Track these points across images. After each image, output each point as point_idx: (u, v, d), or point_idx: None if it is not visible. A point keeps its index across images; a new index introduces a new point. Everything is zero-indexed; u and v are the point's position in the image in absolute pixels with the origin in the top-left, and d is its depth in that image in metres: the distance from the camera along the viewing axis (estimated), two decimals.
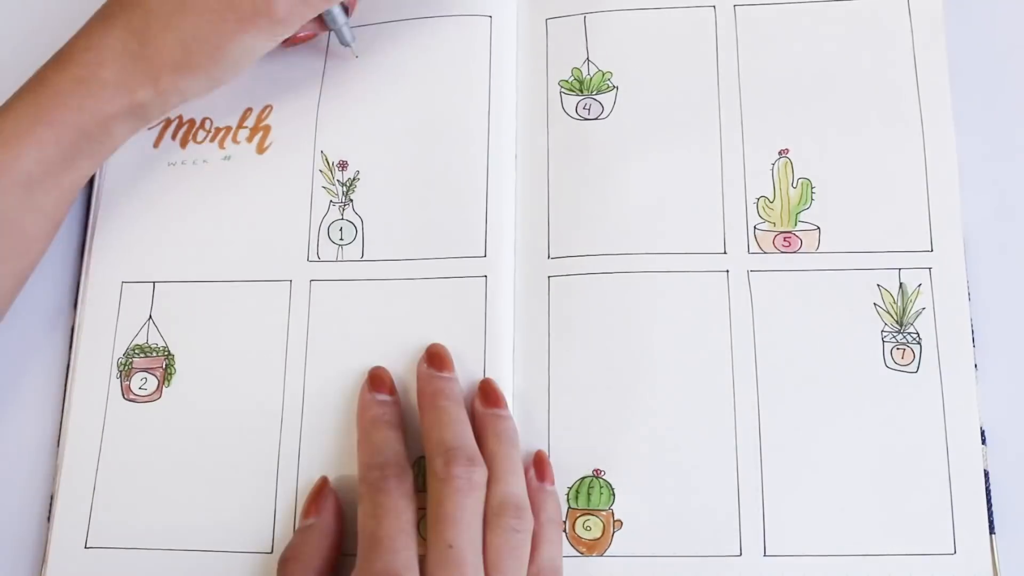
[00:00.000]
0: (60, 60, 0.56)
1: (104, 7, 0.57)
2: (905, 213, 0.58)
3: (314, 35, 0.63)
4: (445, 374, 0.56)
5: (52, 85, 0.55)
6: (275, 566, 0.54)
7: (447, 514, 0.50)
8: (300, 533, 0.54)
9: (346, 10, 0.61)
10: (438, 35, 0.63)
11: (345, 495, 0.56)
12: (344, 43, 0.62)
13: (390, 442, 0.54)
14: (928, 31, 0.61)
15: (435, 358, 0.56)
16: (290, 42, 0.61)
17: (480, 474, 0.52)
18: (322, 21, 0.60)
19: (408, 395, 0.57)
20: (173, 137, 0.64)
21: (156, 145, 0.64)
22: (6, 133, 0.55)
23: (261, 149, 0.63)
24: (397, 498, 0.51)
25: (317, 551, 0.53)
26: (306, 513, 0.55)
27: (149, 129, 0.64)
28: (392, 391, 0.57)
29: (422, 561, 0.50)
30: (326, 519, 0.55)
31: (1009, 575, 0.54)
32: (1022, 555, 0.54)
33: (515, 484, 0.53)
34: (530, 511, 0.52)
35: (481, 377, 0.57)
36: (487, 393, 0.56)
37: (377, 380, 0.57)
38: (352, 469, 0.56)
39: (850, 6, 0.62)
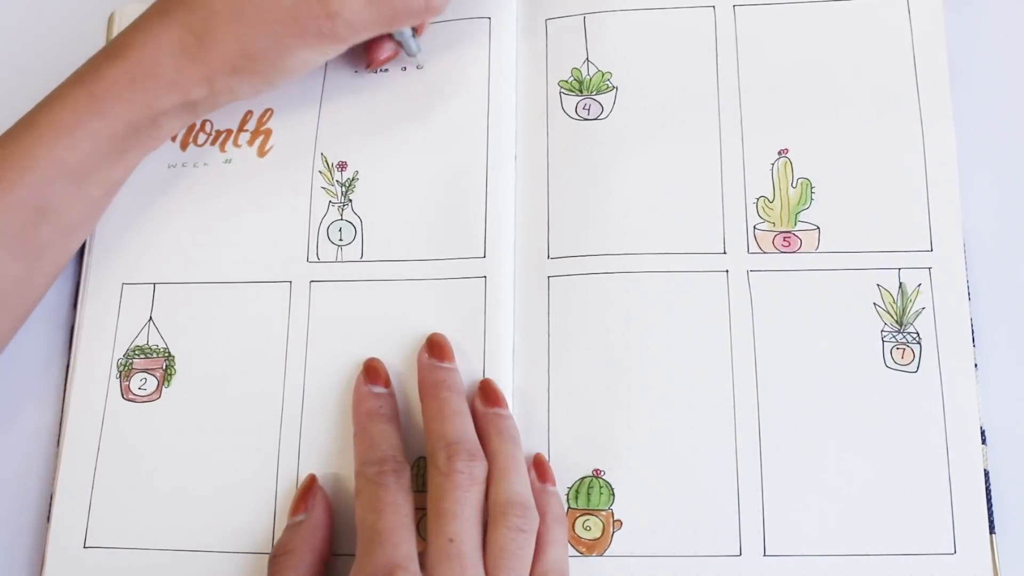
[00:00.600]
0: (115, 52, 0.56)
1: (160, 2, 0.57)
2: (905, 213, 0.59)
3: (396, 55, 0.63)
4: (447, 364, 0.56)
5: (107, 78, 0.55)
6: None
7: (448, 509, 0.50)
8: (289, 530, 0.54)
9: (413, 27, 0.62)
10: (437, 38, 0.63)
11: (344, 492, 0.56)
12: (411, 54, 0.62)
13: (387, 436, 0.54)
14: (928, 31, 0.61)
15: (436, 347, 0.57)
16: (376, 64, 0.63)
17: (481, 469, 0.52)
18: (393, 37, 0.61)
19: (407, 393, 0.57)
20: (172, 139, 0.64)
21: None
22: (61, 124, 0.55)
23: (262, 153, 0.63)
24: (395, 492, 0.51)
25: (308, 546, 0.53)
26: (294, 510, 0.55)
27: None
28: (387, 383, 0.57)
29: (421, 556, 0.50)
30: (316, 515, 0.55)
31: (1009, 575, 0.54)
32: (1022, 555, 0.54)
33: (520, 483, 0.53)
34: (535, 510, 0.52)
35: (481, 377, 0.57)
36: (488, 393, 0.56)
37: (372, 372, 0.57)
38: (351, 468, 0.56)
39: (850, 6, 0.62)
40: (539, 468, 0.56)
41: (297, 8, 0.55)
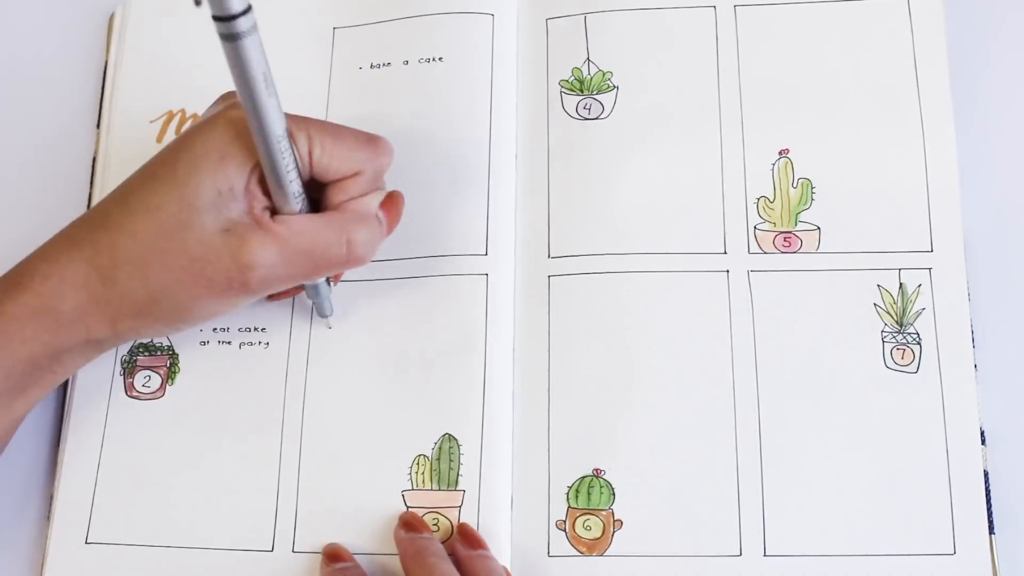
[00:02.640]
0: (18, 284, 0.52)
1: (71, 230, 0.53)
2: (905, 213, 0.59)
3: (299, 291, 0.59)
4: (425, 534, 0.55)
5: (7, 313, 0.51)
6: (275, 564, 0.55)
7: None
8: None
9: (328, 280, 0.58)
10: (441, 33, 0.63)
11: (348, 515, 0.57)
12: (322, 315, 0.59)
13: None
14: (928, 31, 0.61)
15: (411, 525, 0.55)
16: (275, 297, 0.60)
17: None
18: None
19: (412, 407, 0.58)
20: (177, 132, 0.64)
21: (159, 140, 0.64)
22: None
23: None
24: None
25: None
26: (337, 557, 0.55)
27: (151, 123, 0.64)
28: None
29: None
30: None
31: (1009, 575, 0.54)
32: (1022, 555, 0.54)
33: None
34: None
35: (481, 374, 0.57)
36: (469, 537, 0.55)
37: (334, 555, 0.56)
38: (351, 467, 0.57)
39: (850, 6, 0.62)
40: (465, 537, 0.55)
41: (206, 258, 0.50)
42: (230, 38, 0.43)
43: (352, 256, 0.53)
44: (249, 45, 0.43)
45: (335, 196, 0.53)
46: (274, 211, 0.52)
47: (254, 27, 0.43)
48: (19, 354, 0.51)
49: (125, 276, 0.51)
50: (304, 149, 0.52)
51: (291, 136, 0.50)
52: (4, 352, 0.51)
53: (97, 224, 0.52)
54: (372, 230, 0.53)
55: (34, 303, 0.51)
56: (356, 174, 0.53)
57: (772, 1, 0.63)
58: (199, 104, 0.64)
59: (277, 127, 0.48)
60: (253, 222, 0.51)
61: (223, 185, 0.50)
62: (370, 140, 0.54)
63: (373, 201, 0.54)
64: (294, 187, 0.51)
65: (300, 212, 0.52)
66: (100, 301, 0.51)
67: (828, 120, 0.60)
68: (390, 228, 0.55)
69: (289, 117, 0.50)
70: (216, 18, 0.42)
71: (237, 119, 0.51)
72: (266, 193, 0.51)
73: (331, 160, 0.52)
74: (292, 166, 0.50)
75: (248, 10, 0.42)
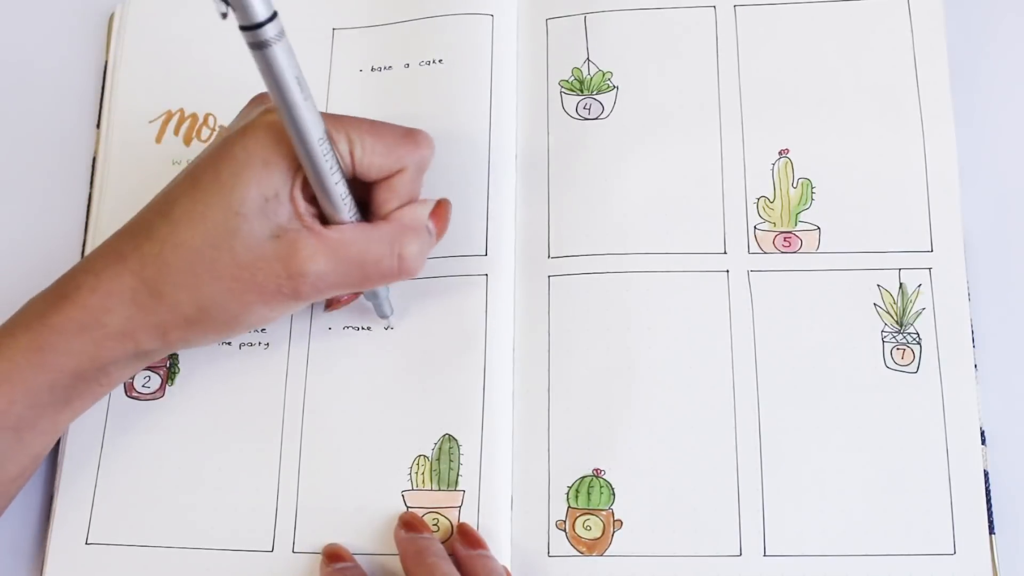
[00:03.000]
0: (63, 297, 0.51)
1: (115, 241, 0.52)
2: (905, 213, 0.59)
3: (356, 298, 0.59)
4: (425, 535, 0.55)
5: (52, 326, 0.50)
6: (275, 564, 0.56)
7: None
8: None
9: None
10: (441, 35, 0.63)
11: (349, 516, 0.57)
12: (381, 316, 0.59)
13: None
14: (928, 31, 0.61)
15: (411, 525, 0.55)
16: (334, 306, 0.59)
17: None
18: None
19: (411, 406, 0.58)
20: (176, 132, 0.64)
21: (158, 141, 0.64)
22: (1, 376, 0.51)
23: None
24: None
25: None
26: (337, 557, 0.55)
27: (151, 123, 0.64)
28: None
29: None
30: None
31: (1009, 575, 0.54)
32: (1022, 555, 0.54)
33: None
34: None
35: (481, 374, 0.57)
36: (468, 537, 0.55)
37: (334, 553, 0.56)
38: (351, 471, 0.57)
39: (850, 6, 0.62)
40: (465, 537, 0.55)
41: (256, 265, 0.50)
42: (258, 46, 0.42)
43: (403, 269, 0.52)
44: (278, 52, 0.43)
45: (382, 195, 0.53)
46: (322, 216, 0.51)
47: (281, 33, 0.42)
48: (65, 367, 0.51)
49: (173, 288, 0.50)
50: (345, 150, 0.51)
51: (330, 138, 0.49)
52: (50, 365, 0.51)
53: (142, 235, 0.51)
54: (423, 242, 0.53)
55: (81, 317, 0.50)
56: (399, 171, 0.52)
57: (772, 1, 0.63)
58: (199, 104, 0.64)
59: (316, 131, 0.47)
60: (303, 228, 0.50)
61: (269, 192, 0.49)
62: (409, 134, 0.53)
63: (423, 211, 0.53)
64: (339, 189, 0.50)
65: (349, 216, 0.51)
66: (149, 314, 0.51)
67: (828, 120, 0.60)
68: (439, 237, 0.55)
69: (326, 117, 0.49)
70: (243, 28, 0.41)
71: (276, 123, 0.50)
72: (312, 198, 0.50)
73: (373, 158, 0.51)
74: (336, 168, 0.49)
75: (273, 17, 0.42)
